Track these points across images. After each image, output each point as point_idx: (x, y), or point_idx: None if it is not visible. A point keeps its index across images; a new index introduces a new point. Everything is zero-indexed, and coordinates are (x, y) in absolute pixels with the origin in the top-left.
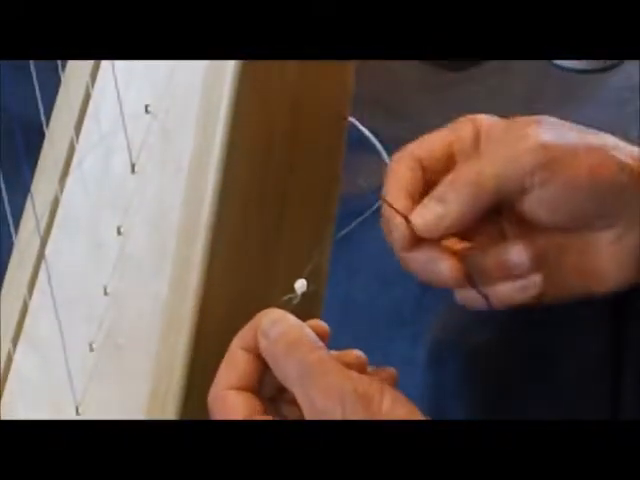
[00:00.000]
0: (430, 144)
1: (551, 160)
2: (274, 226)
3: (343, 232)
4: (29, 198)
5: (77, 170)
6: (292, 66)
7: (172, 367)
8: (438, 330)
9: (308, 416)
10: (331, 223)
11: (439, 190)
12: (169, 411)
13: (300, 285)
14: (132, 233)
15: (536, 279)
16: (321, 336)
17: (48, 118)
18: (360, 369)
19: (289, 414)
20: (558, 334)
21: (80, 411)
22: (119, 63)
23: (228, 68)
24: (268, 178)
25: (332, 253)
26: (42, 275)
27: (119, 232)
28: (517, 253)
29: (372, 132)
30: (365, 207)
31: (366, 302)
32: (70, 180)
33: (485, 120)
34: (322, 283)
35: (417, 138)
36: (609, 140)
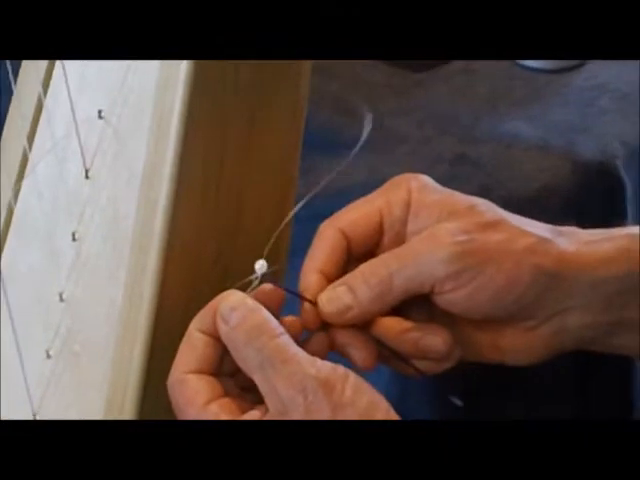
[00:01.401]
0: (357, 213)
1: (463, 269)
2: (230, 232)
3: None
4: None
5: (31, 177)
6: (246, 70)
7: (128, 374)
8: None
9: (270, 404)
10: (288, 227)
11: (352, 279)
12: (126, 418)
13: (260, 266)
14: (87, 239)
15: (453, 355)
16: (276, 301)
17: (1, 127)
18: (296, 334)
19: (250, 391)
20: None
21: (37, 419)
22: (71, 69)
23: (181, 73)
24: (223, 183)
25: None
26: None
27: (74, 238)
28: (435, 342)
29: (335, 133)
30: (325, 209)
31: None
32: (24, 187)
33: (416, 187)
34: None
35: (381, 141)
36: (533, 238)
